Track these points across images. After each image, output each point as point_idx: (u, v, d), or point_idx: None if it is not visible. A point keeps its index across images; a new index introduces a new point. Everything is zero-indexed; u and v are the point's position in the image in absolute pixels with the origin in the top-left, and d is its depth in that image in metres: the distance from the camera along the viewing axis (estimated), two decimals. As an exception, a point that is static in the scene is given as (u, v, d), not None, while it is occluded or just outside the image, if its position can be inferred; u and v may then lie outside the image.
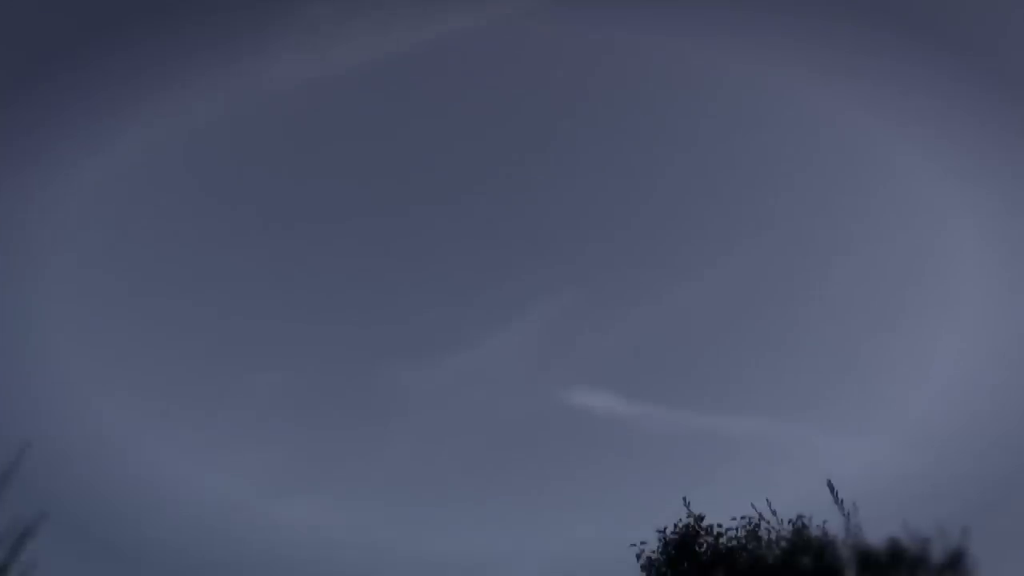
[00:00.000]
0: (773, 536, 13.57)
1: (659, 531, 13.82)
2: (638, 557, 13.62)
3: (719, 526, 13.78)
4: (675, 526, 13.86)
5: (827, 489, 13.53)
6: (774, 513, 13.66)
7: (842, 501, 13.44)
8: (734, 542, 13.58)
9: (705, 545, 13.61)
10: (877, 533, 13.36)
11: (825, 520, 13.47)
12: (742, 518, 13.74)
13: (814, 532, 13.43)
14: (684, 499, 14.12)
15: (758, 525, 13.65)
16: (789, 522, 13.58)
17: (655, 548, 13.65)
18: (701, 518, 13.91)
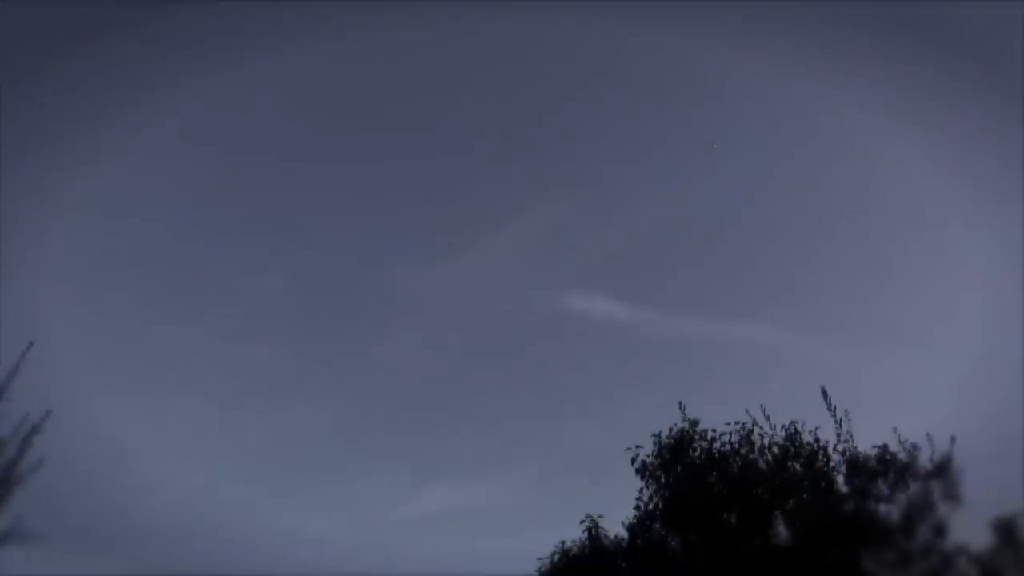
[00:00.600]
0: (766, 442, 13.82)
1: (654, 435, 14.04)
2: (633, 461, 13.88)
3: (713, 431, 14.01)
4: (670, 431, 14.07)
5: (821, 396, 13.71)
6: (768, 419, 13.86)
7: (835, 408, 13.63)
8: (727, 447, 13.83)
9: (699, 450, 13.86)
10: (867, 441, 13.64)
11: (817, 427, 13.70)
12: (736, 423, 13.95)
13: (806, 439, 13.67)
14: (680, 404, 14.31)
15: (751, 431, 13.88)
16: (782, 428, 13.80)
17: (650, 452, 13.91)
18: (696, 423, 14.12)
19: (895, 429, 13.48)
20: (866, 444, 13.52)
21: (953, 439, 13.44)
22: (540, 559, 13.76)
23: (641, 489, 13.75)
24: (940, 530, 12.77)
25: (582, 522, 13.76)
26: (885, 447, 13.36)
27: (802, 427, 13.74)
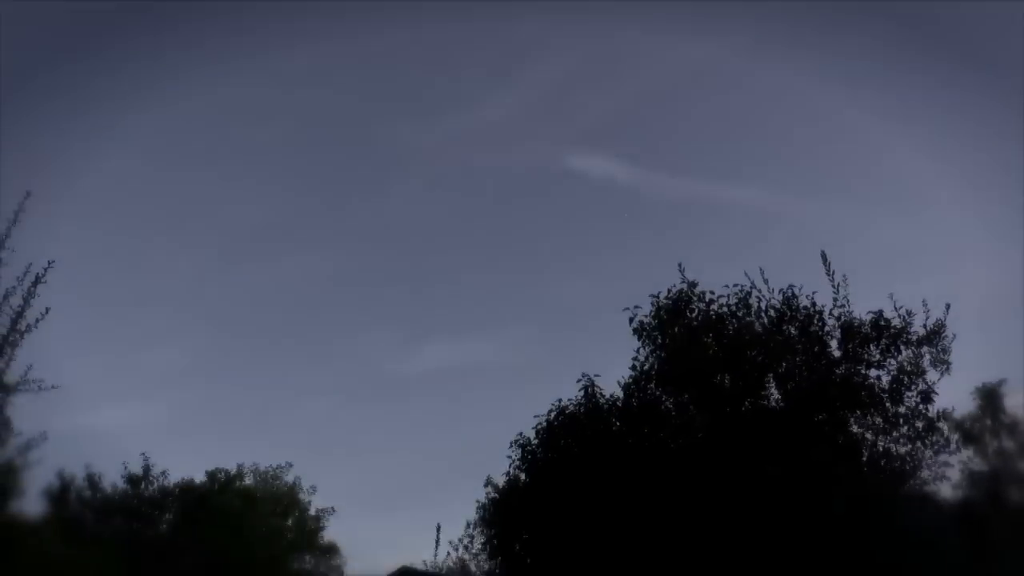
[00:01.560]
0: (763, 305, 13.94)
1: (652, 297, 14.11)
2: (631, 321, 13.99)
3: (711, 293, 14.06)
4: (668, 292, 14.12)
5: (821, 261, 13.72)
6: (766, 282, 13.91)
7: (833, 273, 13.67)
8: (724, 310, 13.95)
9: (696, 311, 13.98)
10: (863, 306, 13.77)
11: (815, 291, 13.78)
12: (734, 286, 14.00)
13: (803, 303, 13.78)
14: (679, 265, 14.28)
15: (749, 294, 13.96)
16: (779, 292, 13.88)
17: (648, 313, 14.01)
18: (694, 285, 14.15)
19: (891, 295, 13.61)
20: (862, 310, 13.68)
21: (948, 306, 13.60)
22: (537, 417, 14.09)
23: (638, 350, 13.97)
24: (927, 396, 13.12)
25: (579, 381, 14.02)
26: (880, 313, 13.51)
27: (799, 291, 13.82)
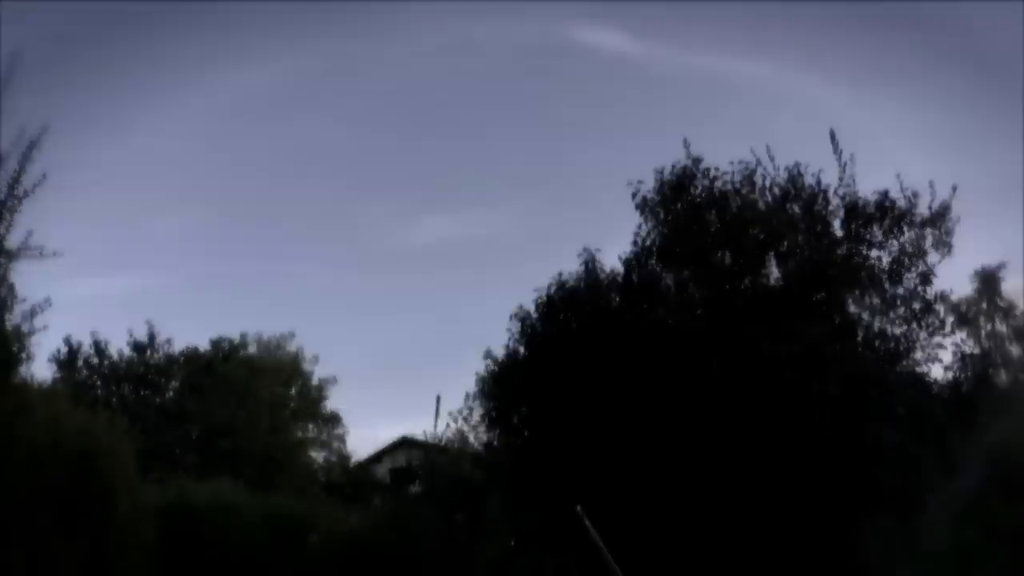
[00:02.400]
0: (767, 183, 13.81)
1: (656, 171, 13.94)
2: (634, 196, 13.87)
3: (716, 170, 13.88)
4: (672, 168, 13.94)
5: (829, 140, 13.51)
6: (771, 160, 13.72)
7: (840, 152, 13.48)
8: (728, 186, 13.82)
9: (700, 188, 13.85)
10: (869, 186, 13.65)
11: (820, 170, 13.62)
12: (739, 163, 13.81)
13: (808, 181, 13.64)
14: (684, 141, 14.06)
15: (754, 171, 13.80)
16: (785, 170, 13.72)
17: (651, 189, 13.88)
18: (699, 161, 13.96)
19: (898, 176, 13.47)
20: (867, 190, 13.56)
21: (954, 188, 13.48)
22: (537, 291, 14.14)
23: (640, 225, 13.90)
24: (926, 277, 13.17)
25: (579, 256, 14.00)
26: (885, 193, 13.40)
27: (805, 170, 13.66)
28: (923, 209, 13.33)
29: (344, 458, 28.74)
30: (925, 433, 12.52)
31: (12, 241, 10.19)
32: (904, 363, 13.59)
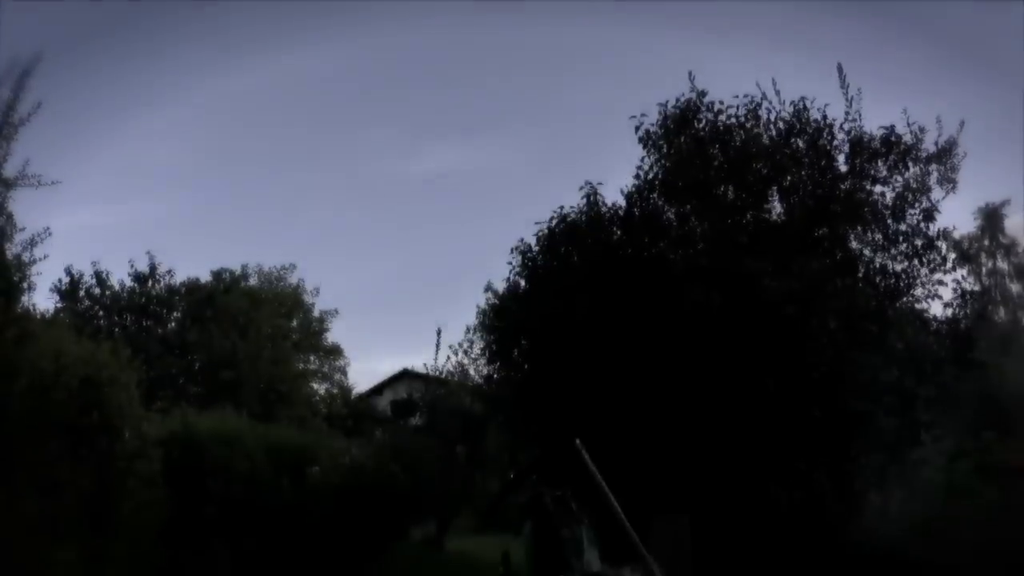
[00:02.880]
0: (772, 116, 13.63)
1: (660, 105, 13.74)
2: (637, 129, 13.70)
3: (720, 103, 13.68)
4: (676, 101, 13.75)
5: (836, 75, 13.30)
6: (777, 94, 13.50)
7: (848, 86, 13.27)
8: (733, 120, 13.64)
9: (704, 121, 13.67)
10: (876, 122, 13.47)
11: (827, 104, 13.43)
12: (744, 97, 13.59)
13: (813, 115, 13.46)
14: (689, 73, 13.85)
15: (759, 105, 13.60)
16: (790, 104, 13.52)
17: (655, 122, 13.71)
18: (703, 94, 13.75)
19: (904, 111, 13.30)
20: (873, 125, 13.39)
21: (962, 123, 13.31)
22: (538, 224, 14.07)
23: (643, 159, 13.76)
24: (929, 214, 13.08)
25: (581, 189, 13.88)
26: (891, 128, 13.24)
27: (811, 104, 13.48)
28: (929, 145, 13.20)
29: (345, 390, 29.00)
30: (922, 369, 12.61)
31: (9, 170, 10.10)
32: (904, 300, 13.60)
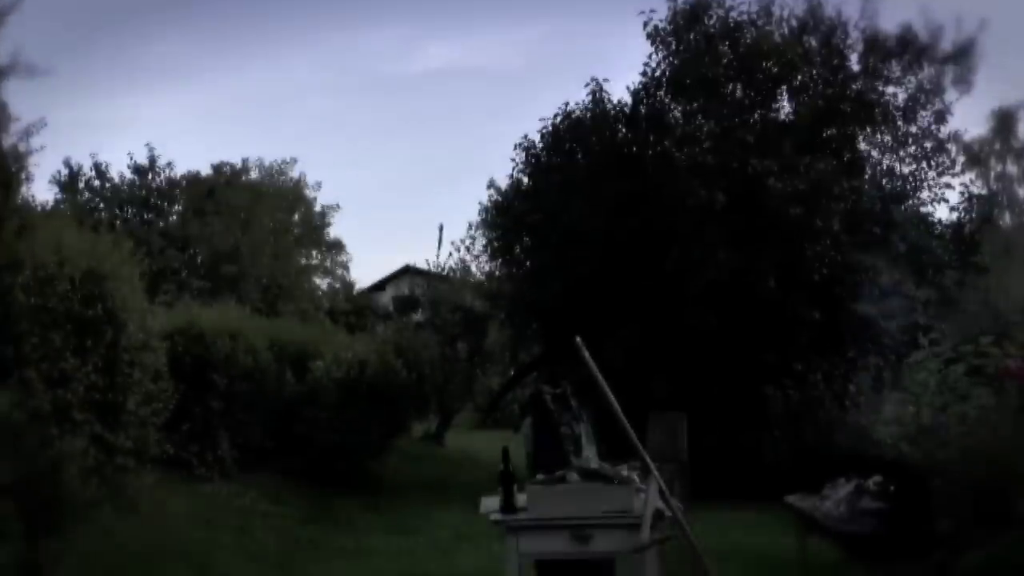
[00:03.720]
0: (785, 14, 13.31)
1: (670, 0, 13.38)
2: (645, 25, 13.36)
3: (732, -2, 13.35)
4: (686, -7, 13.37)
5: None
6: (790, -11, 13.15)
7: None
8: (744, 16, 13.33)
9: (715, 17, 13.34)
10: (892, 20, 13.14)
11: (842, 0, 13.08)
12: (758, -10, 13.24)
13: (828, 12, 13.13)
14: (701, -33, 13.41)
15: (772, 1, 13.28)
16: (804, 0, 13.18)
17: (664, 18, 13.36)
18: (716, -11, 13.36)
19: (922, 9, 12.98)
20: (889, 23, 13.06)
21: (982, 22, 12.98)
22: (543, 121, 13.87)
23: (650, 55, 13.46)
24: (941, 116, 12.89)
25: (587, 85, 13.61)
26: (908, 27, 12.93)
27: (825, 1, 13.13)
28: (946, 45, 12.90)
29: (347, 285, 29.14)
30: (923, 273, 12.65)
31: (1, 58, 9.87)
32: (910, 202, 13.55)
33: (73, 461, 5.35)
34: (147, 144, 23.78)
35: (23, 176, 8.45)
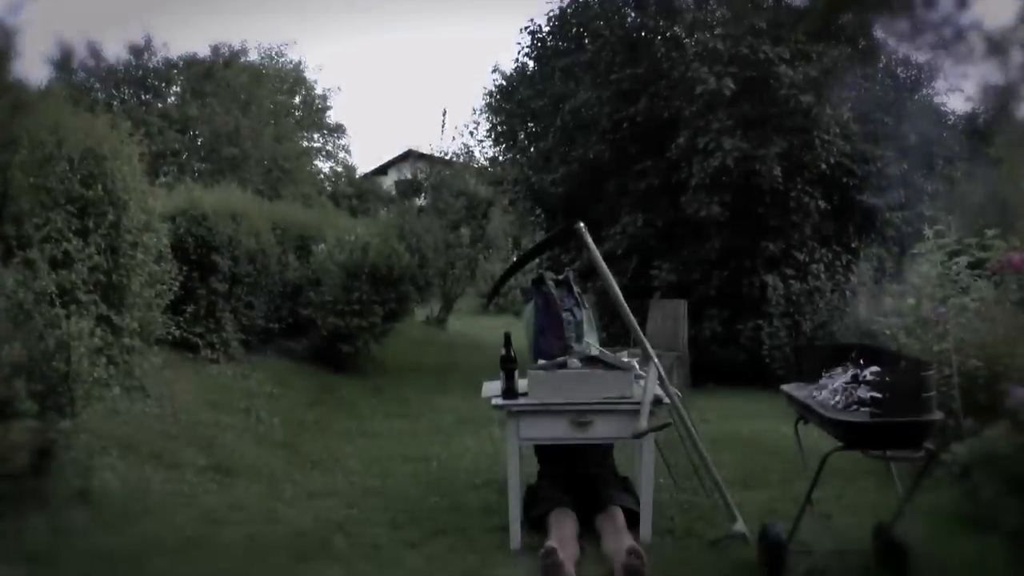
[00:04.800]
0: None
1: None
2: None
3: None
4: None
5: None
6: None
7: None
8: None
9: None
10: None
11: None
12: None
13: None
14: None
15: None
16: None
17: None
18: None
19: None
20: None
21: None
22: (550, 3, 13.47)
23: (663, -67, 12.90)
24: (963, 1, 12.44)
25: (596, -35, 13.14)
26: (932, -95, 12.33)
27: None
28: (970, -76, 12.33)
29: (349, 169, 28.95)
30: (933, 164, 12.50)
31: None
32: (923, 92, 13.26)
33: (80, 341, 5.41)
34: (142, 24, 23.20)
35: (12, 51, 8.26)
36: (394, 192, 25.82)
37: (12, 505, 5.08)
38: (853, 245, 12.01)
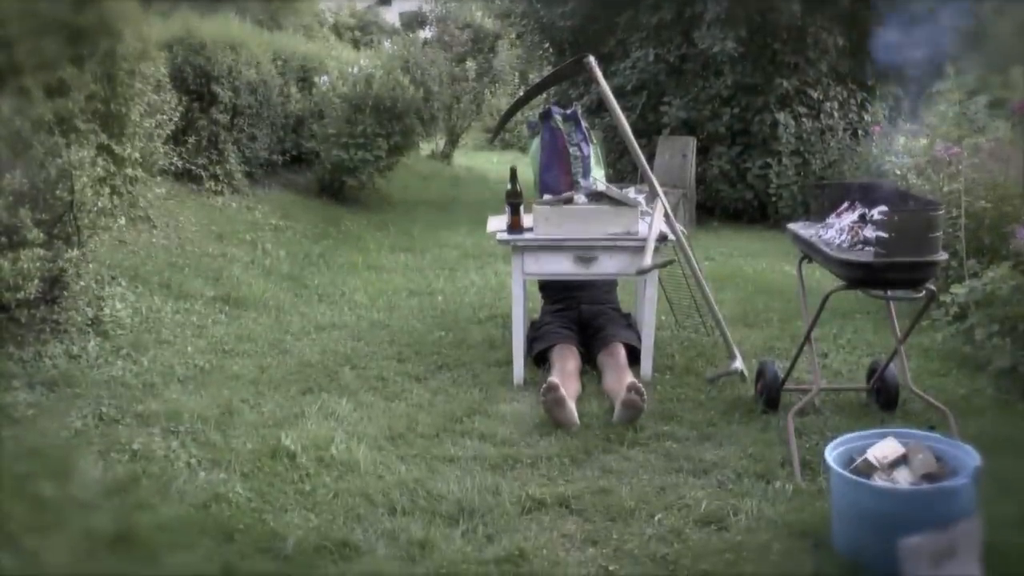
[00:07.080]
0: None
1: None
2: None
3: None
4: None
5: None
6: None
7: None
8: None
9: None
10: None
11: None
12: None
13: None
14: None
15: None
16: None
17: None
18: None
19: None
20: None
21: None
22: None
23: None
24: None
25: None
26: None
27: None
28: None
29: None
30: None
31: None
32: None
33: (82, 170, 5.36)
34: None
35: None
36: (398, 24, 24.97)
37: (28, 332, 5.20)
38: (870, 83, 11.67)
